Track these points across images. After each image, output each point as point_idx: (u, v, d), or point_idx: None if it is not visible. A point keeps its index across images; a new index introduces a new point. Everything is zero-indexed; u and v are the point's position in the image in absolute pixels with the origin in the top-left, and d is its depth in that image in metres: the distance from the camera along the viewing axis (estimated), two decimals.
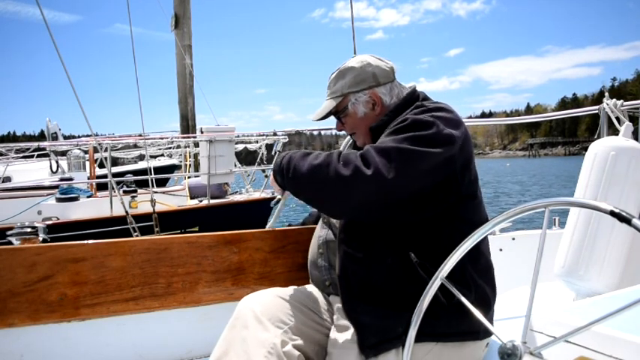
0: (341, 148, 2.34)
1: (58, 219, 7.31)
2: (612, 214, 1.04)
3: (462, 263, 1.48)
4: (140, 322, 1.87)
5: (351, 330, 1.53)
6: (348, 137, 2.24)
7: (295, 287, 1.78)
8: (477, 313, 1.22)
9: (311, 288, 1.79)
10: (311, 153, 1.57)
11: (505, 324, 1.57)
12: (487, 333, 1.53)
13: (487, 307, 1.56)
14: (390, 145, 1.43)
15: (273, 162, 1.66)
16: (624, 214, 1.02)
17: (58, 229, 6.46)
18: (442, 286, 1.30)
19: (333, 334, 1.61)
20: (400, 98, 1.72)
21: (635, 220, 1.00)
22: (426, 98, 1.71)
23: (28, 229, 1.88)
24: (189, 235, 1.95)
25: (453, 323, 1.47)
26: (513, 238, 2.95)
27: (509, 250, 2.90)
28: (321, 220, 1.81)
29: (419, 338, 1.40)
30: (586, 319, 1.07)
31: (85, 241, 1.79)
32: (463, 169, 1.53)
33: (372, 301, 1.51)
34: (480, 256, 1.59)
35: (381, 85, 1.72)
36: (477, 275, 1.54)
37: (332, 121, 1.84)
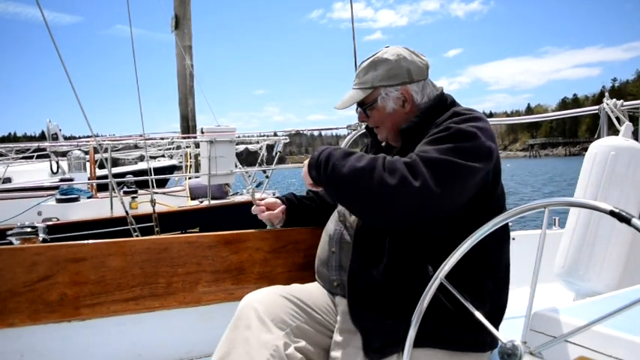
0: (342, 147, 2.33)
1: (59, 220, 7.31)
2: (612, 214, 1.04)
3: (480, 275, 1.49)
4: (140, 322, 1.87)
5: (356, 333, 1.52)
6: (350, 136, 2.23)
7: (298, 285, 1.76)
8: (479, 315, 1.22)
9: (314, 286, 1.76)
10: (353, 153, 1.49)
11: (505, 324, 1.57)
12: (492, 345, 1.53)
13: (497, 320, 1.55)
14: (437, 157, 1.38)
15: (310, 156, 1.61)
16: (624, 214, 1.02)
17: (58, 230, 6.45)
18: (449, 293, 1.30)
19: (337, 336, 1.59)
20: (431, 98, 1.66)
21: (634, 220, 1.00)
22: (454, 102, 1.67)
23: (28, 229, 1.88)
24: (189, 235, 1.95)
25: (458, 331, 1.45)
26: (513, 238, 2.94)
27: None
28: (335, 217, 1.76)
29: (422, 343, 1.40)
30: (586, 319, 1.06)
31: (85, 241, 1.79)
32: (494, 182, 1.51)
33: (380, 309, 1.50)
34: (499, 268, 1.57)
35: (414, 82, 1.65)
36: (496, 287, 1.54)
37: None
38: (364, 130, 1.94)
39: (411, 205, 1.35)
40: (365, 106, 1.69)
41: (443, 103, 1.64)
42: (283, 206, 2.01)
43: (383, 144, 1.77)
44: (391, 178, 1.35)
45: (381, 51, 1.70)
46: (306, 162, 1.62)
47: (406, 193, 1.33)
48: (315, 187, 1.62)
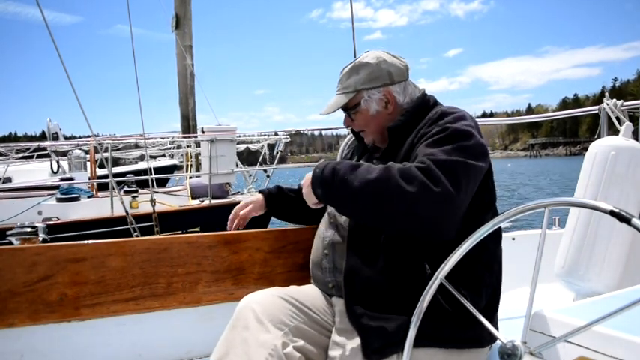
0: (341, 149, 2.33)
1: (59, 219, 7.32)
2: (612, 214, 1.04)
3: (478, 270, 1.51)
4: (140, 322, 1.87)
5: (355, 333, 1.52)
6: (349, 137, 2.23)
7: (296, 286, 1.76)
8: (479, 316, 1.22)
9: (311, 288, 1.77)
10: (360, 165, 1.45)
11: (505, 324, 1.58)
12: (492, 339, 1.53)
13: (493, 312, 1.57)
14: (449, 159, 1.37)
15: (312, 173, 1.55)
16: (624, 214, 1.02)
17: (59, 230, 6.45)
18: (448, 292, 1.30)
19: (335, 336, 1.59)
20: (413, 99, 1.69)
21: (634, 220, 1.00)
22: (436, 101, 1.71)
23: (28, 229, 1.88)
24: (189, 235, 1.95)
25: (458, 329, 1.46)
26: (513, 238, 2.95)
27: (509, 250, 2.88)
28: (326, 220, 1.77)
29: (422, 343, 1.40)
30: (586, 319, 1.07)
31: (85, 241, 1.79)
32: (487, 177, 1.54)
33: (378, 307, 1.50)
34: (495, 262, 1.59)
35: (395, 83, 1.68)
36: (491, 281, 1.55)
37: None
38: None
39: (435, 210, 1.34)
40: (349, 110, 1.72)
41: (426, 103, 1.67)
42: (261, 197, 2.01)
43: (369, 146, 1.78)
44: (410, 186, 1.32)
45: (362, 56, 1.73)
46: (307, 180, 1.57)
47: (427, 199, 1.32)
48: (319, 205, 1.60)
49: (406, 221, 1.37)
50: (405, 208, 1.34)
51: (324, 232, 1.75)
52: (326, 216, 1.79)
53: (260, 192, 2.04)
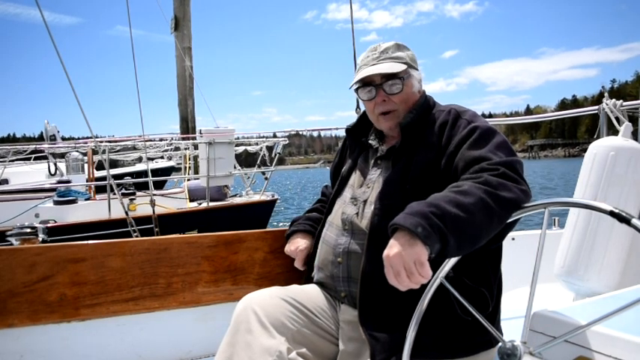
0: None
1: (56, 222, 7.29)
2: (612, 214, 1.05)
3: (489, 271, 1.50)
4: (140, 322, 1.87)
5: (366, 344, 1.50)
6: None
7: (297, 286, 1.73)
8: (481, 319, 1.22)
9: (313, 288, 1.72)
10: (443, 198, 1.26)
11: (505, 324, 1.58)
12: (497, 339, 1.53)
13: (496, 312, 1.57)
14: (509, 159, 1.38)
15: (412, 236, 1.20)
16: (624, 214, 1.02)
17: (56, 232, 6.43)
18: (457, 302, 1.30)
19: (345, 345, 1.57)
20: (422, 94, 1.69)
21: (634, 220, 1.01)
22: (435, 102, 1.71)
23: (28, 230, 1.88)
24: (189, 236, 1.95)
25: (466, 337, 1.45)
26: (513, 239, 2.95)
27: (509, 251, 2.88)
28: (337, 225, 1.68)
29: (431, 354, 1.40)
30: (586, 319, 1.07)
31: (85, 242, 1.79)
32: None
33: (392, 317, 1.47)
34: (498, 262, 1.58)
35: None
36: (496, 281, 1.55)
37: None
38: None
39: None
40: (396, 79, 1.62)
41: (429, 103, 1.68)
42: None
43: (374, 141, 1.74)
44: (507, 192, 1.29)
45: (390, 42, 1.70)
46: (398, 249, 1.21)
47: (526, 199, 1.32)
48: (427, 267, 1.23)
49: (514, 223, 1.36)
50: (511, 212, 1.31)
51: (334, 238, 1.66)
52: (339, 222, 1.68)
53: (295, 232, 1.89)
